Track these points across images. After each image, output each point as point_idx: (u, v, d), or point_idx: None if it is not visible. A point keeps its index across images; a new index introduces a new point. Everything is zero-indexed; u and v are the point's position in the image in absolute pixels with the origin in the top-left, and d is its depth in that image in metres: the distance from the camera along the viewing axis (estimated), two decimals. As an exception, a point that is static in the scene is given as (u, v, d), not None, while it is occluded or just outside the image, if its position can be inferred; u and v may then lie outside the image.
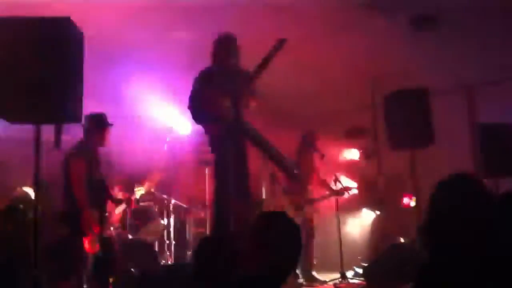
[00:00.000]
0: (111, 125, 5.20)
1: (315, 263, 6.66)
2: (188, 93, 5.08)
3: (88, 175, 4.93)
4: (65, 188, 4.92)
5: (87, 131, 5.06)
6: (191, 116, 5.08)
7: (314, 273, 6.56)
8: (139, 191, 5.84)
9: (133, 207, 5.90)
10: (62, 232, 4.98)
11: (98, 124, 5.10)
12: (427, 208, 2.21)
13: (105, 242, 4.92)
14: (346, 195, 6.92)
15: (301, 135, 6.90)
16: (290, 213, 6.52)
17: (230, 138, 4.81)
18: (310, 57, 6.93)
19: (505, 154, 5.75)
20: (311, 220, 6.77)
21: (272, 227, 2.27)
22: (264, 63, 4.74)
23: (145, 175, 5.95)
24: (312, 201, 6.78)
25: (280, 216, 2.41)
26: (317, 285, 6.25)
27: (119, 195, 6.10)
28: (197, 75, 5.07)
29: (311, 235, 6.71)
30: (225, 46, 5.01)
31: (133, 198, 5.72)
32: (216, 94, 4.84)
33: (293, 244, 2.25)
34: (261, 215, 2.47)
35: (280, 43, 4.63)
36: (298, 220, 6.58)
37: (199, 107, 4.97)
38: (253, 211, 4.78)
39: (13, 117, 3.28)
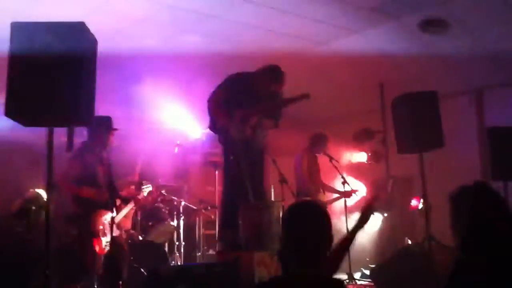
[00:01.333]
0: (116, 129, 5.25)
1: None
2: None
3: (91, 176, 4.97)
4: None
5: (92, 133, 5.10)
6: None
7: None
8: (147, 188, 5.90)
9: (140, 204, 5.95)
10: (73, 233, 5.03)
11: (104, 127, 5.14)
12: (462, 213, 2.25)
13: (115, 243, 4.97)
14: (354, 198, 6.92)
15: (310, 137, 6.92)
16: None
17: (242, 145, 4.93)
18: (319, 61, 6.97)
19: (514, 157, 5.74)
20: None
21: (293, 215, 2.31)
22: (282, 105, 4.95)
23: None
24: (324, 204, 6.79)
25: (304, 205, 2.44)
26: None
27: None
28: (232, 78, 5.15)
29: None
30: (271, 78, 5.04)
31: (140, 196, 5.77)
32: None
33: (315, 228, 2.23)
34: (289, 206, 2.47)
35: (303, 97, 4.86)
36: None
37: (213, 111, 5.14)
38: (264, 213, 4.82)
39: (27, 121, 3.34)
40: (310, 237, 2.20)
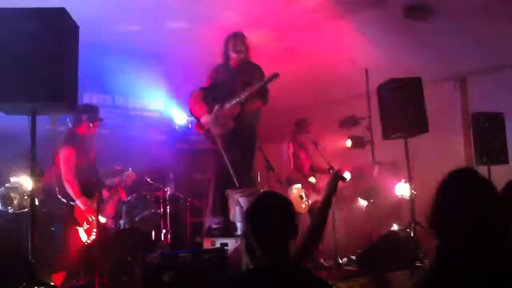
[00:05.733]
0: (101, 120, 5.23)
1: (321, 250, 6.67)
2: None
3: (78, 164, 4.95)
4: (58, 178, 4.94)
5: (77, 121, 5.07)
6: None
7: (321, 260, 6.59)
8: (130, 176, 5.90)
9: (122, 193, 5.94)
10: (57, 221, 5.01)
11: (90, 116, 5.10)
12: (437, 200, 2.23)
13: (100, 231, 4.95)
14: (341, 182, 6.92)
15: (294, 123, 6.92)
16: (296, 202, 6.53)
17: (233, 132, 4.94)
18: (304, 46, 6.95)
19: (497, 143, 5.82)
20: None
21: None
22: (254, 90, 4.88)
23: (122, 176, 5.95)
24: (314, 189, 6.78)
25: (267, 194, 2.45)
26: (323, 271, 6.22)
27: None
28: (207, 75, 5.18)
29: None
30: (231, 43, 5.07)
31: (123, 183, 5.76)
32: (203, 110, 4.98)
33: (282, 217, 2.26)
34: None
35: (273, 77, 4.80)
36: (304, 209, 6.60)
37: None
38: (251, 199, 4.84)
39: (9, 109, 3.30)
40: (274, 228, 2.22)
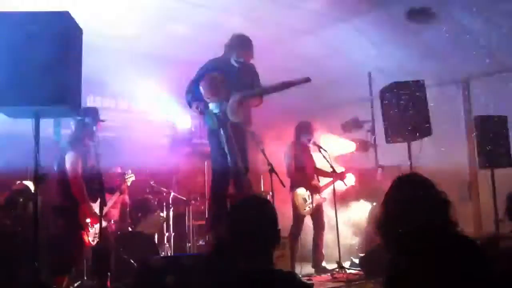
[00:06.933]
0: (103, 121, 5.23)
1: (324, 253, 6.63)
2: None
3: (82, 167, 4.95)
4: (61, 181, 4.93)
5: (79, 124, 5.07)
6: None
7: (324, 263, 6.55)
8: (130, 178, 5.90)
9: (126, 194, 5.94)
10: (60, 225, 5.00)
11: (92, 119, 5.10)
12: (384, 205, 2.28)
13: (102, 235, 4.94)
14: (344, 186, 6.90)
15: (297, 126, 6.90)
16: (299, 205, 6.51)
17: (224, 131, 4.91)
18: (306, 49, 6.95)
19: (501, 146, 5.80)
20: (320, 211, 6.72)
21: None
22: (280, 87, 4.93)
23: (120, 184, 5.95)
24: (317, 191, 6.73)
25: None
26: (326, 275, 6.19)
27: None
28: (206, 62, 5.16)
29: (321, 227, 6.66)
30: (236, 52, 5.07)
31: (124, 186, 5.76)
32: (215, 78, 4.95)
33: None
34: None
35: (303, 80, 4.89)
36: (308, 212, 6.57)
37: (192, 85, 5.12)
38: None
39: (13, 112, 3.31)
40: (259, 232, 2.22)
